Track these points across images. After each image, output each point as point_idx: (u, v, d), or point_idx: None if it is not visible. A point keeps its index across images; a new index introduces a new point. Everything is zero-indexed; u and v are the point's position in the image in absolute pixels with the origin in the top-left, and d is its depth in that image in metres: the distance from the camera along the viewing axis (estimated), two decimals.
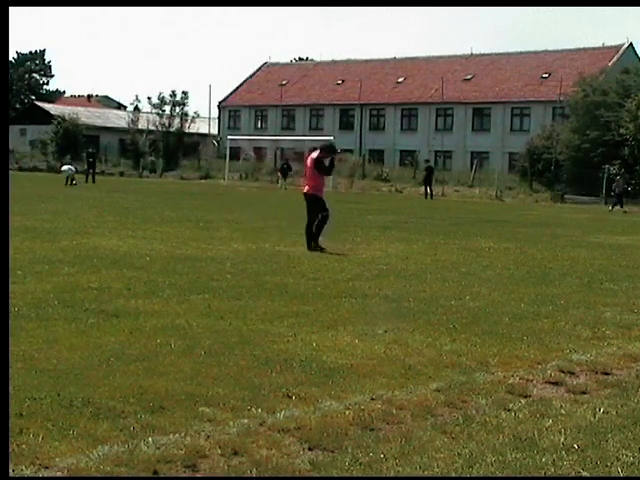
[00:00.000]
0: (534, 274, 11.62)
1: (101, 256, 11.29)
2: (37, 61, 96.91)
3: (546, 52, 58.79)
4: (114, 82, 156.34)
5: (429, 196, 39.87)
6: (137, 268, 10.29)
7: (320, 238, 13.43)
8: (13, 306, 7.14)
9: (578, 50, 57.38)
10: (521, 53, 60.48)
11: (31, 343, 6.06)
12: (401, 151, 59.21)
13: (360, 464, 4.03)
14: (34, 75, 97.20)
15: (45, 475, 3.77)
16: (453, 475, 3.97)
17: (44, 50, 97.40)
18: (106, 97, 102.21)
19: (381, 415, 4.79)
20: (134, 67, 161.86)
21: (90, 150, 44.19)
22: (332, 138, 42.98)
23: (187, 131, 62.40)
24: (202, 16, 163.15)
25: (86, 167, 42.00)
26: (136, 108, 64.48)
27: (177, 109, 62.29)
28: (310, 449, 4.22)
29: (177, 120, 62.21)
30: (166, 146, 60.72)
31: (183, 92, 62.51)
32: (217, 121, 69.36)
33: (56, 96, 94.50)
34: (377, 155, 57.27)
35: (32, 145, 67.90)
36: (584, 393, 5.54)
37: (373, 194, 42.38)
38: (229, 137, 55.23)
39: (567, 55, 57.20)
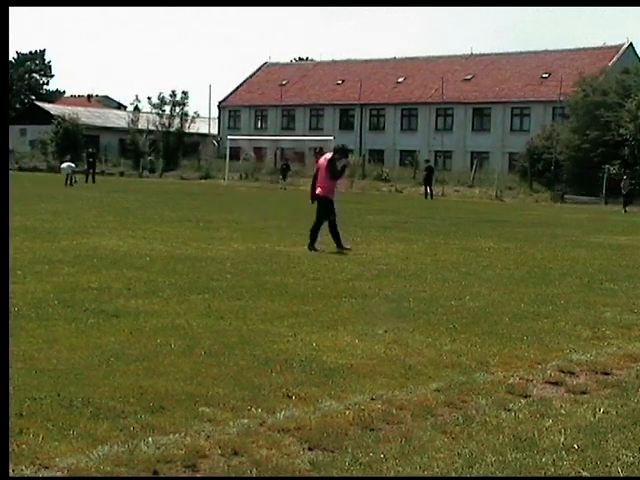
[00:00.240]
0: (534, 274, 11.63)
1: (101, 256, 11.29)
2: (37, 61, 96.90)
3: (546, 52, 58.76)
4: (114, 82, 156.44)
5: (429, 196, 39.86)
6: (137, 268, 10.29)
7: (341, 239, 13.55)
8: (13, 306, 7.14)
9: (578, 50, 57.36)
10: (521, 53, 60.46)
11: (31, 343, 6.06)
12: (401, 151, 59.19)
13: (360, 464, 4.03)
14: (34, 75, 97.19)
15: (45, 475, 3.77)
16: (453, 475, 3.97)
17: (44, 50, 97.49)
18: (106, 97, 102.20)
19: (381, 415, 4.79)
20: (134, 67, 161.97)
21: (90, 150, 44.19)
22: (332, 138, 43.08)
23: (187, 131, 62.38)
24: (202, 16, 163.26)
25: (86, 167, 41.99)
26: (136, 108, 64.51)
27: (177, 109, 62.30)
28: (310, 449, 4.22)
29: (177, 120, 62.20)
30: (166, 146, 60.70)
31: (183, 92, 62.57)
32: (217, 121, 69.34)
33: (56, 96, 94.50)
34: (377, 155, 57.25)
35: (32, 145, 67.91)
36: (584, 393, 5.54)
37: (373, 194, 42.37)
38: (229, 137, 55.20)
39: (567, 55, 57.19)
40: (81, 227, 15.68)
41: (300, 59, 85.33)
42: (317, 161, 14.91)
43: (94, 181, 40.28)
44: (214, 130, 68.14)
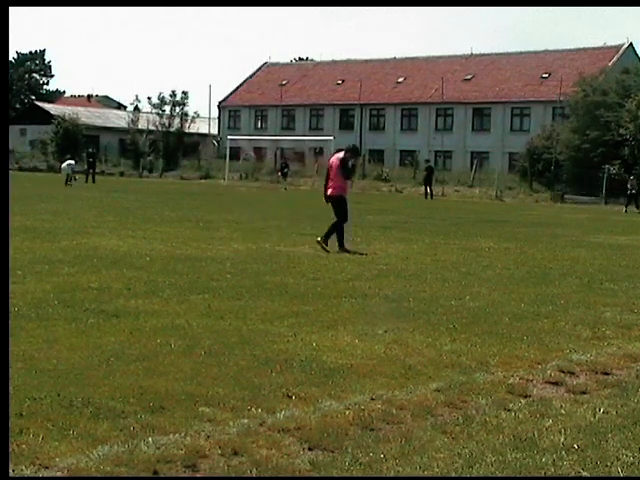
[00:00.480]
0: (534, 274, 11.62)
1: (101, 256, 11.29)
2: (37, 61, 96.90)
3: (546, 52, 58.79)
4: (114, 82, 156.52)
5: (429, 196, 39.88)
6: (137, 268, 10.29)
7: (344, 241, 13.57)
8: (13, 306, 7.14)
9: (578, 50, 57.37)
10: (521, 53, 60.49)
11: (31, 343, 6.06)
12: (401, 151, 59.21)
13: (360, 464, 4.03)
14: (34, 75, 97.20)
15: (45, 475, 3.77)
16: (453, 475, 3.97)
17: (44, 50, 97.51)
18: (106, 97, 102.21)
19: (381, 415, 4.79)
20: (134, 67, 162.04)
21: (90, 150, 44.20)
22: (332, 138, 43.09)
23: (187, 131, 62.41)
24: (202, 16, 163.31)
25: (86, 167, 42.01)
26: (136, 108, 64.54)
27: (177, 109, 62.36)
28: (310, 449, 4.22)
29: (177, 120, 62.24)
30: (166, 146, 60.72)
31: (183, 92, 62.65)
32: (217, 121, 69.36)
33: (56, 96, 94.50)
34: (377, 155, 57.25)
35: (32, 145, 67.94)
36: (584, 393, 5.54)
37: (373, 194, 42.36)
38: (229, 137, 55.20)
39: (567, 55, 57.21)
40: (81, 227, 15.68)
41: (300, 59, 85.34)
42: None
43: (94, 181, 40.29)
44: (214, 130, 68.16)
